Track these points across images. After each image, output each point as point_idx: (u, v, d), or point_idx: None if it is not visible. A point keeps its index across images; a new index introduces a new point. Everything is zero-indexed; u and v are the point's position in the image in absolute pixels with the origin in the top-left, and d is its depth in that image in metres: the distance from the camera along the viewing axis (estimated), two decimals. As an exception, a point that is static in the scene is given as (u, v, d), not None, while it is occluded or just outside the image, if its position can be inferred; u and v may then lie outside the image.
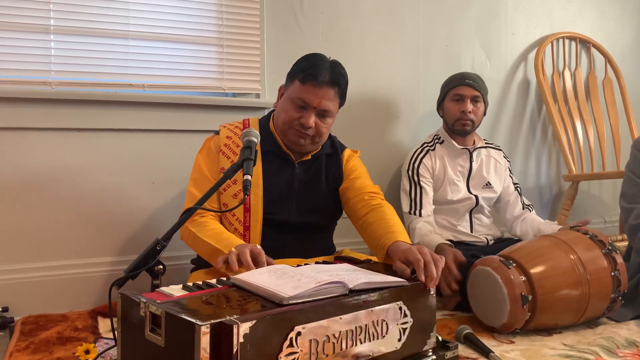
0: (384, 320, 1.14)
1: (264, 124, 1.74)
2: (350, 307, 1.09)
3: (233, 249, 1.33)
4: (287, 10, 2.27)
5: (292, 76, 1.67)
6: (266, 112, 2.15)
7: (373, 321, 1.12)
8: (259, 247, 1.34)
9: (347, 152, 1.81)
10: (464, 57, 2.69)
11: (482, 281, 1.69)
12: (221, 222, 1.65)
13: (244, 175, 1.34)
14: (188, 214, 1.32)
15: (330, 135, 1.78)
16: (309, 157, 1.72)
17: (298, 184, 1.70)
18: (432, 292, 1.26)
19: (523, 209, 2.29)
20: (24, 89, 1.86)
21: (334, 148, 1.79)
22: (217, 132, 1.73)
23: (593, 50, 3.02)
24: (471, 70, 2.58)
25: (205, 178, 1.65)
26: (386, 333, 1.15)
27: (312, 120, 1.61)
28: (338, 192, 1.76)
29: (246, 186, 1.31)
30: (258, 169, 1.63)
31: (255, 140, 1.43)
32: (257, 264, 1.29)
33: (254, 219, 1.63)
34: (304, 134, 1.63)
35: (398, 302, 1.17)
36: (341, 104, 1.70)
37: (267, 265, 1.29)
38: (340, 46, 2.38)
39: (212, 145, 1.70)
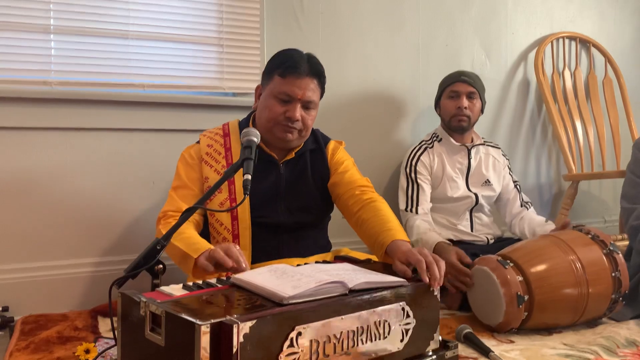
0: (387, 321, 1.14)
1: (244, 126, 1.69)
2: (351, 307, 1.09)
3: (216, 247, 1.29)
4: (287, 10, 2.27)
5: (269, 72, 1.63)
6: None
7: (375, 321, 1.12)
8: (238, 247, 1.30)
9: (331, 145, 1.77)
10: (464, 56, 2.69)
11: (480, 280, 1.69)
12: (210, 232, 1.62)
13: (244, 174, 1.33)
14: (188, 213, 1.31)
15: (312, 129, 1.74)
16: (293, 155, 1.68)
17: (285, 184, 1.67)
18: (435, 293, 1.25)
19: (521, 206, 2.29)
20: (24, 89, 1.86)
21: (317, 142, 1.74)
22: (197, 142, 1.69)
23: (593, 50, 3.02)
24: (471, 70, 2.58)
25: (186, 187, 1.62)
26: (388, 333, 1.15)
27: (298, 112, 1.58)
28: (326, 188, 1.72)
29: (246, 185, 1.31)
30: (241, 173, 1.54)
31: (256, 140, 1.43)
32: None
33: (243, 226, 1.60)
34: (291, 127, 1.59)
35: (401, 303, 1.17)
36: (321, 95, 1.67)
37: (244, 269, 1.24)
38: (340, 46, 2.38)
39: (193, 154, 1.66)
